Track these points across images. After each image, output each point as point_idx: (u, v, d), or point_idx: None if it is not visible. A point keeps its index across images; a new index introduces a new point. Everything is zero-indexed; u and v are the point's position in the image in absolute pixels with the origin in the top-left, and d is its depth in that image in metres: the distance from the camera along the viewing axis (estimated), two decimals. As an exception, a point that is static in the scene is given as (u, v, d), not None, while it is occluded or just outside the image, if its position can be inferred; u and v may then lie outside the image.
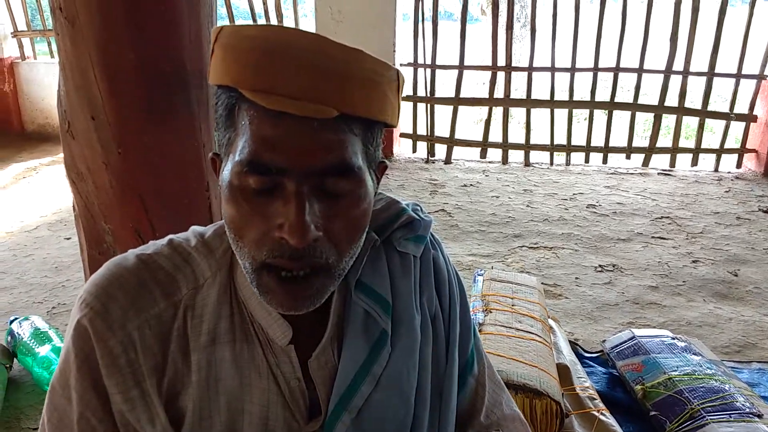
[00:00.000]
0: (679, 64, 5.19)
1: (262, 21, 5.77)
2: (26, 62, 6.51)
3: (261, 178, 0.62)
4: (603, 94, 5.49)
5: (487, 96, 5.64)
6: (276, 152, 0.60)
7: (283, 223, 0.61)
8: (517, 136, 5.82)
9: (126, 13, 1.34)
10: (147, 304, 0.70)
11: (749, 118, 5.27)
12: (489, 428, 0.87)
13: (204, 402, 0.72)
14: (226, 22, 5.88)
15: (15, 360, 2.31)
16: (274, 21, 5.75)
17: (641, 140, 6.20)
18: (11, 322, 2.41)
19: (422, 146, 5.79)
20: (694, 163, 5.41)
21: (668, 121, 5.59)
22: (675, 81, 5.26)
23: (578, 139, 5.54)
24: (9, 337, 2.34)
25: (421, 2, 5.39)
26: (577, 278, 3.23)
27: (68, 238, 3.73)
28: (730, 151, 5.39)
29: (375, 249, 0.81)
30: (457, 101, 5.60)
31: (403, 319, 0.79)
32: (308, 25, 5.82)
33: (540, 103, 5.50)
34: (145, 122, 1.44)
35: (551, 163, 5.58)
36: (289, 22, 5.82)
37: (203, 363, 0.71)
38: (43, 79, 6.41)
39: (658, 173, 5.34)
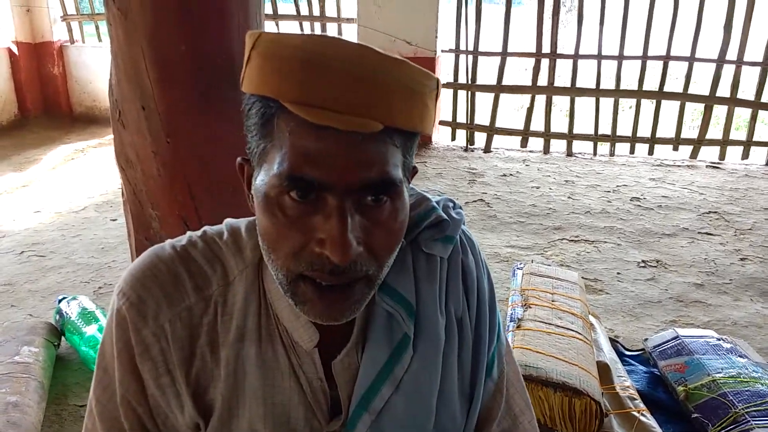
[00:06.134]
0: (732, 53, 4.99)
1: (303, 4, 5.75)
2: (74, 45, 6.65)
3: (301, 192, 0.60)
4: (651, 83, 5.33)
5: (530, 83, 5.53)
6: (318, 167, 0.59)
7: (324, 239, 0.60)
8: (559, 125, 5.68)
9: (177, 5, 1.36)
10: (179, 297, 0.72)
11: (806, 110, 5.06)
12: None
13: (231, 397, 0.73)
14: (269, 11, 5.90)
15: (63, 338, 2.40)
16: (316, 6, 5.74)
17: (690, 131, 6.00)
18: (59, 301, 2.50)
19: (461, 134, 5.72)
20: (745, 156, 5.22)
21: (719, 111, 5.40)
22: (728, 70, 5.06)
23: (624, 129, 5.40)
24: (57, 316, 2.43)
25: (464, -13, 5.30)
26: (618, 273, 3.17)
27: (114, 220, 3.83)
28: (784, 144, 5.19)
29: (401, 250, 0.78)
30: (498, 89, 5.51)
31: (427, 322, 0.78)
32: (350, 9, 5.76)
33: (585, 92, 5.37)
34: (194, 113, 1.46)
35: (595, 154, 5.46)
36: (331, 7, 5.80)
37: (231, 358, 0.73)
38: (91, 63, 6.54)
39: (707, 166, 5.17)
